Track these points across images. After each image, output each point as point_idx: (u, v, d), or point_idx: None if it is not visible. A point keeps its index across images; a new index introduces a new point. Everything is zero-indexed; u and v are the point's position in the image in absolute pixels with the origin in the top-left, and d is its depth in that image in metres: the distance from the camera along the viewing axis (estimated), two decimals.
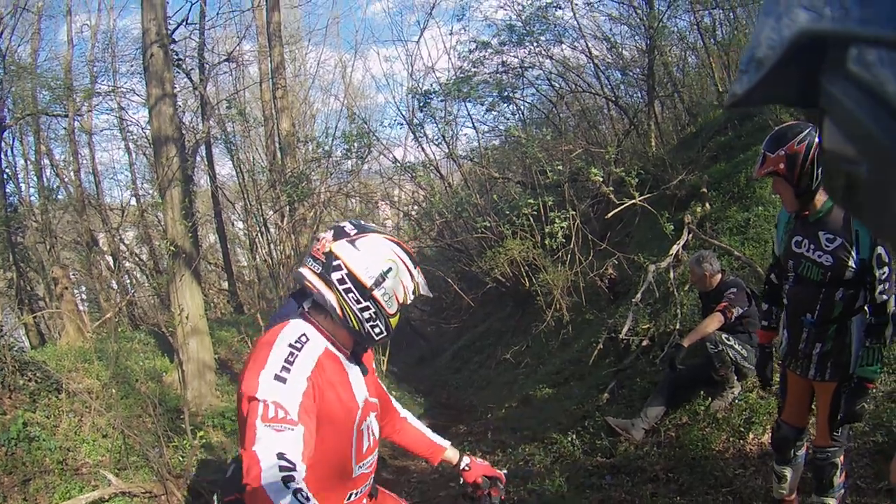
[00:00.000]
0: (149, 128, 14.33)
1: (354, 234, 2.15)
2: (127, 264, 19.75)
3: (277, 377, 1.90)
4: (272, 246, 17.28)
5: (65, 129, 17.58)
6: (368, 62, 58.80)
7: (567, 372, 9.30)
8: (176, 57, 13.45)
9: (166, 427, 6.87)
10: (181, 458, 6.90)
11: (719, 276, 5.88)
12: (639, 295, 8.00)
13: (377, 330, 2.17)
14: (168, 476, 6.21)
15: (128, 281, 19.89)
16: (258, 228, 16.89)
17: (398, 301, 2.17)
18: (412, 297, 2.20)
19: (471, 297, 16.42)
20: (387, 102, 56.47)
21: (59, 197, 18.33)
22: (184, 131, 12.14)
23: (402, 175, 17.41)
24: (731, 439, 5.10)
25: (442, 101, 15.01)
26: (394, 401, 2.75)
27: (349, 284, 2.10)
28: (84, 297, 18.23)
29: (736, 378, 5.47)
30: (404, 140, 25.99)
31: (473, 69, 14.35)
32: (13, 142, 17.08)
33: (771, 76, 0.54)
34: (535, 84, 15.68)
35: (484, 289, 15.28)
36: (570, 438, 6.53)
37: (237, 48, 17.49)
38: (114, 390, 7.75)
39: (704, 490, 4.66)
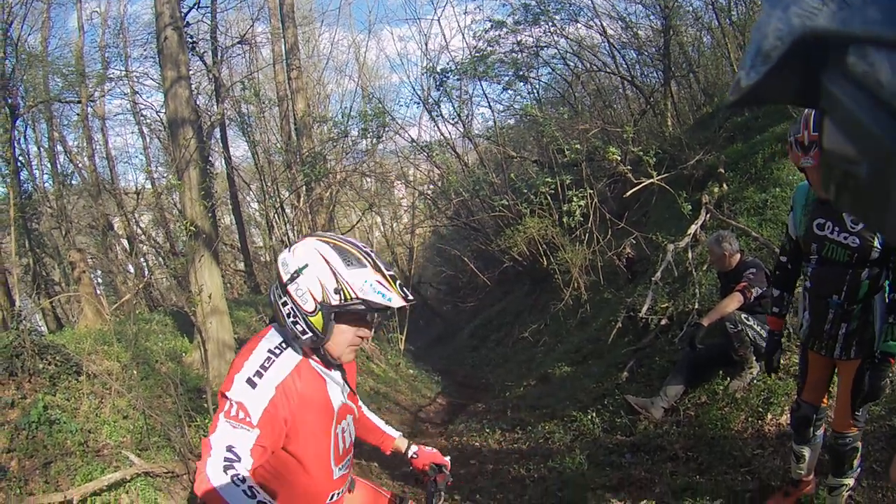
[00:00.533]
0: (163, 111, 14.41)
1: (298, 240, 2.28)
2: (143, 247, 19.88)
3: (249, 381, 2.03)
4: (289, 226, 17.36)
5: (78, 115, 17.63)
6: (382, 42, 58.48)
7: (586, 350, 9.33)
8: (190, 40, 13.46)
9: (187, 406, 6.92)
10: (203, 438, 6.99)
11: (738, 256, 5.85)
12: (658, 274, 7.99)
13: (299, 328, 2.18)
14: (190, 455, 6.27)
15: (144, 264, 20.05)
16: (275, 209, 16.95)
17: (315, 300, 2.14)
18: (339, 300, 2.12)
19: (487, 275, 16.47)
20: (401, 82, 56.25)
21: (74, 182, 18.46)
22: (199, 113, 12.17)
23: (418, 154, 17.39)
24: (749, 419, 5.11)
25: (458, 79, 14.97)
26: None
27: (276, 282, 2.23)
28: (100, 280, 18.39)
29: (755, 359, 5.47)
30: (419, 119, 25.82)
31: (489, 48, 14.27)
32: (26, 129, 17.18)
33: (776, 70, 0.55)
34: (551, 63, 15.59)
35: (501, 268, 15.30)
36: (589, 416, 6.58)
37: (250, 30, 17.47)
38: (134, 371, 7.79)
39: (723, 469, 4.68)
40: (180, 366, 8.90)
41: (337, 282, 2.11)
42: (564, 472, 5.62)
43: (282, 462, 2.14)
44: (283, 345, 2.19)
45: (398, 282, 2.16)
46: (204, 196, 9.72)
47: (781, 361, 5.27)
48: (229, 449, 1.90)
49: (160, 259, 20.46)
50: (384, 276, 2.14)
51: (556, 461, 5.89)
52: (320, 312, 2.14)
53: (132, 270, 18.44)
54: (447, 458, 2.87)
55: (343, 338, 2.20)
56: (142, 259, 19.74)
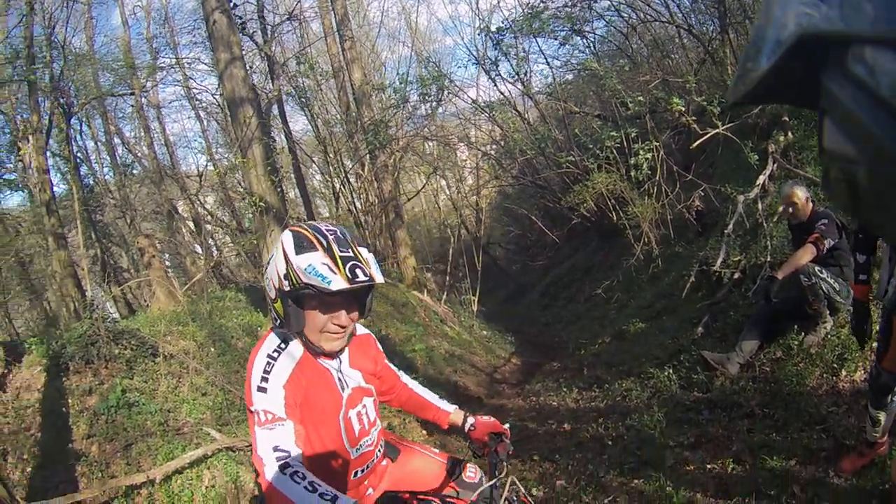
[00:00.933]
0: (219, 93, 14.66)
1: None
2: (208, 227, 20.39)
3: (260, 388, 2.11)
4: (354, 195, 17.55)
5: (132, 106, 18.31)
6: (433, 6, 57.96)
7: (659, 306, 9.26)
8: (239, 20, 13.64)
9: None
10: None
11: (811, 205, 5.69)
12: (730, 226, 7.80)
13: (273, 315, 2.28)
14: None
15: (211, 243, 20.62)
16: (340, 179, 17.15)
17: (274, 287, 2.19)
18: (289, 286, 2.13)
19: (555, 233, 16.38)
20: (455, 44, 55.67)
21: (135, 171, 19.10)
22: (257, 92, 12.36)
23: (478, 115, 17.28)
24: (824, 375, 5.01)
25: (514, 37, 14.74)
26: (402, 375, 2.89)
27: None
28: (168, 263, 18.98)
29: (828, 312, 5.34)
30: (476, 80, 25.56)
31: (541, 4, 13.97)
32: (81, 127, 17.90)
33: (789, 54, 0.54)
34: (605, 16, 15.18)
35: (569, 225, 15.17)
36: (666, 373, 6.54)
37: (298, 6, 17.55)
38: (212, 349, 8.04)
39: (799, 427, 4.61)
40: (256, 340, 9.10)
41: (287, 268, 2.13)
42: (642, 429, 5.62)
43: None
44: (282, 345, 2.24)
45: (351, 262, 2.12)
46: (270, 171, 9.91)
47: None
48: (276, 449, 1.98)
49: (227, 237, 20.95)
50: (333, 257, 2.11)
51: (634, 419, 5.90)
52: (279, 299, 2.19)
53: (200, 251, 18.98)
54: (506, 426, 2.82)
55: (315, 324, 2.21)
56: (209, 239, 20.26)
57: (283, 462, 1.94)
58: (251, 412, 2.10)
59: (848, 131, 0.52)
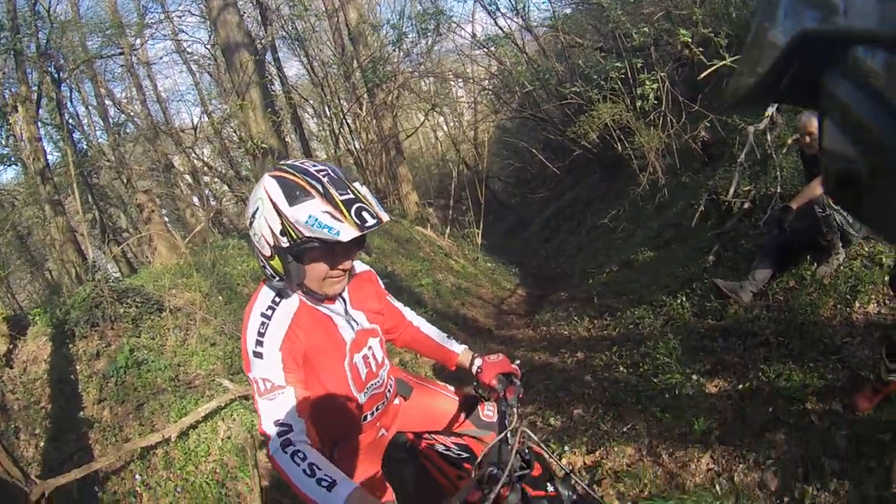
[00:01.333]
0: (212, 43, 14.50)
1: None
2: (206, 178, 20.45)
3: (255, 353, 2.01)
4: (353, 135, 17.49)
5: (122, 66, 18.09)
6: None
7: (667, 235, 9.28)
8: None
9: None
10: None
11: None
12: (742, 156, 7.78)
13: (268, 272, 2.11)
14: None
15: (209, 193, 20.67)
16: (338, 120, 17.06)
17: (268, 244, 2.01)
18: (288, 242, 1.97)
19: (556, 165, 16.34)
20: None
21: (128, 131, 19.01)
22: (252, 36, 12.24)
23: (475, 50, 17.07)
24: (837, 306, 5.06)
25: None
26: (406, 312, 2.75)
27: None
28: (167, 219, 19.06)
29: (841, 244, 5.41)
30: (472, 15, 25.17)
31: None
32: (71, 93, 17.64)
33: (790, 51, 0.56)
34: None
35: (570, 157, 15.11)
36: (679, 301, 6.55)
37: None
38: (220, 297, 8.06)
39: (815, 356, 4.67)
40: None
41: (282, 222, 1.95)
42: (658, 357, 5.63)
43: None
44: (276, 300, 2.11)
45: (355, 205, 1.94)
46: (270, 113, 9.92)
47: (866, 248, 5.21)
48: (277, 423, 1.93)
49: (225, 186, 21.01)
50: (335, 204, 1.92)
51: (649, 346, 5.92)
52: (277, 256, 2.02)
53: (198, 202, 19.05)
54: (516, 365, 2.60)
55: (317, 274, 2.09)
56: (207, 190, 20.33)
57: (284, 439, 1.89)
58: (250, 379, 2.03)
59: (848, 131, 0.53)
